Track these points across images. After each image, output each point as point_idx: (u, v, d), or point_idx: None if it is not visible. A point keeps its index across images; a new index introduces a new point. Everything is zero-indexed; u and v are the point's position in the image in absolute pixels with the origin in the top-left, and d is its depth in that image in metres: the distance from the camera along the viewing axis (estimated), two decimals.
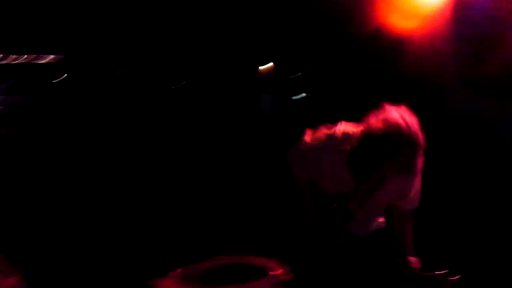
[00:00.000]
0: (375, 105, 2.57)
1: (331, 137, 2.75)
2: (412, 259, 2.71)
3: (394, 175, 2.53)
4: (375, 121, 2.50)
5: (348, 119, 2.81)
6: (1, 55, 6.46)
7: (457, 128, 5.23)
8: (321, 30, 6.06)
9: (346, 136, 2.68)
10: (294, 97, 6.49)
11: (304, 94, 6.53)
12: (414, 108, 2.66)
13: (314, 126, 2.88)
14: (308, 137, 2.88)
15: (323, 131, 2.84)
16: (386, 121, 2.47)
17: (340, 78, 6.14)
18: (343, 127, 2.76)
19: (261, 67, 6.49)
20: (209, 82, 6.45)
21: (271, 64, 6.61)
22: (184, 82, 6.66)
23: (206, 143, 6.30)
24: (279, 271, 2.45)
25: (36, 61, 6.51)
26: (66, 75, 6.57)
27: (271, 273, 2.41)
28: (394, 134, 2.43)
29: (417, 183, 2.66)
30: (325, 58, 6.29)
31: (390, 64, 5.68)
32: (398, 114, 2.48)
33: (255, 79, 6.41)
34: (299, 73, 6.59)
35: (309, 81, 6.51)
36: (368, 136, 2.50)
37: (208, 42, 6.48)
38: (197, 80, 6.58)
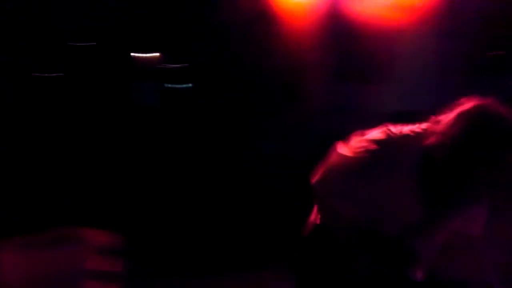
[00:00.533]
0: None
1: (394, 139, 1.94)
2: None
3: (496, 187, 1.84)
4: (458, 116, 1.84)
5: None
6: None
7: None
8: (202, 19, 6.00)
9: (415, 136, 1.93)
10: (178, 87, 6.31)
11: (188, 85, 6.36)
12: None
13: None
14: (347, 148, 1.99)
15: (375, 135, 1.98)
16: (480, 111, 1.83)
17: (220, 70, 6.04)
18: (406, 127, 1.98)
19: (140, 55, 6.27)
20: (86, 71, 6.16)
21: (155, 53, 6.41)
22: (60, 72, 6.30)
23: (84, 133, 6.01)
24: (103, 240, 2.21)
25: None
26: None
27: (90, 241, 2.16)
28: (499, 127, 1.78)
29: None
30: (208, 49, 6.20)
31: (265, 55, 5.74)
32: (490, 105, 1.85)
33: (130, 68, 6.18)
34: (184, 63, 6.43)
35: (193, 71, 6.36)
36: (459, 135, 1.79)
37: (86, 29, 6.22)
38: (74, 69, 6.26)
